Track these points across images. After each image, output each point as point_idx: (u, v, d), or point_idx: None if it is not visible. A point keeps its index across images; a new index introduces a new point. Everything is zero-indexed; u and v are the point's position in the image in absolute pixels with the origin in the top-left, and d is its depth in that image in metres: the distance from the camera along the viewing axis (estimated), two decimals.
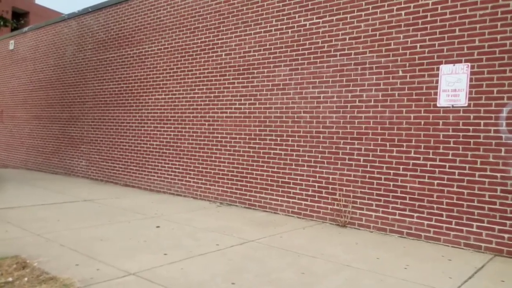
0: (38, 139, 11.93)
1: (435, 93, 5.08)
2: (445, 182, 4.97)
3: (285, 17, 6.48)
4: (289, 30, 6.43)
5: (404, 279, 3.67)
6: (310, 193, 6.11)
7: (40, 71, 11.97)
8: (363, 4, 5.67)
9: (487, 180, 4.70)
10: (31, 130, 12.25)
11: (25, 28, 13.22)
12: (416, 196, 5.17)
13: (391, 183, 5.37)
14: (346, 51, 5.82)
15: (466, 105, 4.86)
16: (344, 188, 5.77)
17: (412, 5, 5.28)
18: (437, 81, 5.07)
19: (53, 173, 11.11)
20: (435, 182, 5.03)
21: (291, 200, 6.32)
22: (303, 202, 6.17)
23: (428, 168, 5.09)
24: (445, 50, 5.03)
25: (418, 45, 5.22)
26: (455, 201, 4.89)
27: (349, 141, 5.76)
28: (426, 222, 5.08)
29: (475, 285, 3.61)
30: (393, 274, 3.79)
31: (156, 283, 3.33)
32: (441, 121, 5.03)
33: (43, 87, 11.78)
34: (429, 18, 5.15)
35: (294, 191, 6.28)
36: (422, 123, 5.16)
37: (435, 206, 5.02)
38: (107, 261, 3.80)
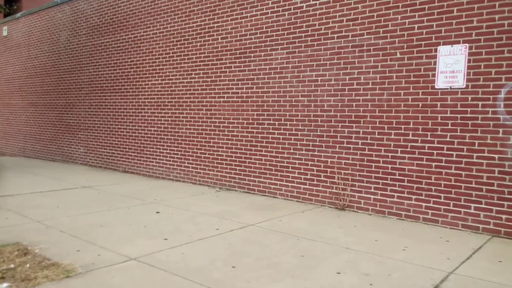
0: (35, 127, 11.87)
1: (433, 75, 5.05)
2: (443, 164, 4.99)
3: None
4: (286, 12, 6.35)
5: (402, 260, 3.71)
6: (308, 176, 6.13)
7: (34, 58, 11.84)
8: None
9: (485, 161, 4.71)
10: (27, 118, 12.18)
11: (18, 13, 13.03)
12: (414, 179, 5.19)
13: (389, 166, 5.39)
14: (343, 33, 5.77)
15: (464, 86, 4.85)
16: (343, 171, 5.78)
17: None
18: (435, 63, 5.04)
19: (51, 160, 11.10)
20: (433, 164, 5.05)
21: (290, 184, 6.34)
22: (302, 186, 6.19)
23: (426, 150, 5.10)
24: (443, 31, 4.99)
25: (415, 26, 5.17)
26: (453, 183, 4.91)
27: (347, 124, 5.75)
28: (424, 204, 5.11)
29: (473, 265, 3.66)
30: (392, 255, 3.83)
31: (157, 267, 3.36)
32: (439, 103, 5.02)
33: (38, 74, 11.67)
34: None
35: (293, 175, 6.30)
36: (420, 105, 5.15)
37: (433, 188, 5.05)
38: (107, 247, 3.83)
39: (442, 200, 4.98)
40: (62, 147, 10.83)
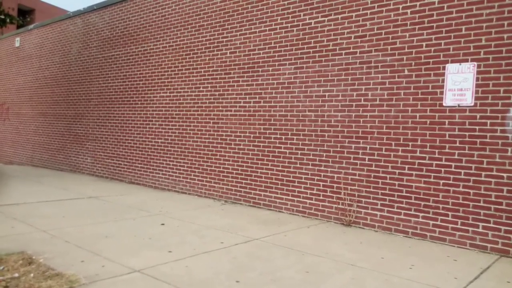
0: (43, 136, 11.98)
1: (441, 92, 5.05)
2: (451, 182, 4.95)
3: (290, 15, 6.46)
4: (294, 28, 6.41)
5: (409, 279, 3.66)
6: (314, 191, 6.10)
7: (45, 69, 12.02)
8: (369, 2, 5.65)
9: (493, 180, 4.67)
10: (36, 127, 12.31)
11: (31, 25, 13.27)
12: (421, 196, 5.15)
13: (396, 183, 5.35)
14: (351, 50, 5.80)
15: (473, 104, 4.84)
16: (349, 187, 5.75)
17: (418, 3, 5.25)
18: (443, 80, 5.04)
19: (58, 170, 11.16)
20: (441, 181, 5.01)
21: (295, 198, 6.31)
22: (308, 201, 6.16)
23: (434, 168, 5.07)
24: (451, 49, 5.00)
25: (424, 43, 5.19)
26: (461, 201, 4.87)
27: (354, 140, 5.74)
28: (431, 222, 5.06)
29: (480, 286, 3.59)
30: (398, 273, 3.78)
31: (160, 280, 3.34)
32: (447, 121, 5.00)
33: (49, 85, 11.82)
34: (435, 17, 5.12)
35: (299, 189, 6.28)
36: (428, 122, 5.13)
37: (440, 206, 5.00)
38: (112, 258, 3.82)
39: (449, 218, 4.93)
40: (69, 157, 10.90)
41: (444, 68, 5.04)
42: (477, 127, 4.80)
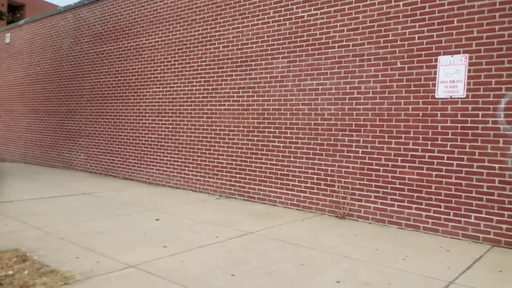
0: (36, 133, 11.89)
1: (434, 85, 5.07)
2: (443, 173, 4.98)
3: (283, 9, 6.44)
4: (287, 22, 6.39)
5: (402, 269, 3.69)
6: (308, 185, 6.12)
7: (36, 65, 11.90)
8: None
9: (485, 171, 4.71)
10: (28, 124, 12.21)
11: (21, 21, 13.13)
12: (414, 188, 5.18)
13: (390, 175, 5.38)
14: (344, 43, 5.80)
15: (465, 96, 4.86)
16: (343, 179, 5.78)
17: None
18: (435, 72, 5.06)
19: (51, 167, 11.10)
20: (434, 173, 5.05)
21: (290, 192, 6.33)
22: (302, 194, 6.18)
23: (427, 160, 5.10)
24: (443, 41, 5.01)
25: (416, 36, 5.20)
26: (453, 192, 4.91)
27: (347, 133, 5.76)
28: (424, 213, 5.10)
29: (473, 275, 3.64)
30: (392, 265, 3.81)
31: (156, 275, 3.34)
32: (439, 113, 5.03)
33: (40, 81, 11.72)
34: (427, 9, 5.13)
35: (293, 183, 6.29)
36: (421, 114, 5.16)
37: (433, 197, 5.04)
38: (106, 254, 3.82)
39: (442, 209, 4.97)
40: (62, 153, 10.84)
41: (436, 60, 5.06)
42: (469, 119, 4.83)
